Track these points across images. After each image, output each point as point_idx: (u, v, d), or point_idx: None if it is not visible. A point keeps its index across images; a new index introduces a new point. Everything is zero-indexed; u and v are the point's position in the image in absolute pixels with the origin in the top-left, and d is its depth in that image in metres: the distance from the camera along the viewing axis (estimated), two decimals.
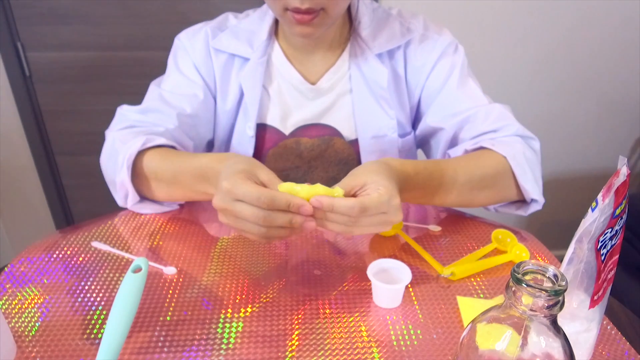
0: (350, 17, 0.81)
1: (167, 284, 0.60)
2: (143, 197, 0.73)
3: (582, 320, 0.46)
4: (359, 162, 0.86)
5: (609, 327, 0.54)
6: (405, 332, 0.54)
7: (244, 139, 0.83)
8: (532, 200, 0.73)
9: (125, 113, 0.78)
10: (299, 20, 0.68)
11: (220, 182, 0.53)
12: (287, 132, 0.83)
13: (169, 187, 0.69)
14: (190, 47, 0.82)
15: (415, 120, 0.87)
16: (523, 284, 0.33)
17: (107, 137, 0.76)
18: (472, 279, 0.62)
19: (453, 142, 0.80)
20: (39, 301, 0.57)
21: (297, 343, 0.52)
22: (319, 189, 0.53)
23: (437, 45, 0.80)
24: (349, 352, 0.51)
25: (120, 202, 0.74)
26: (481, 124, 0.76)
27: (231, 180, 0.52)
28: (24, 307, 0.56)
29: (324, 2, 0.67)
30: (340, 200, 0.52)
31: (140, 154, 0.69)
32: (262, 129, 0.84)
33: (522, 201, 0.75)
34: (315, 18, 0.68)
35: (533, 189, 0.71)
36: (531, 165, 0.71)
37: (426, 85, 0.82)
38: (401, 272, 0.57)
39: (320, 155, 0.85)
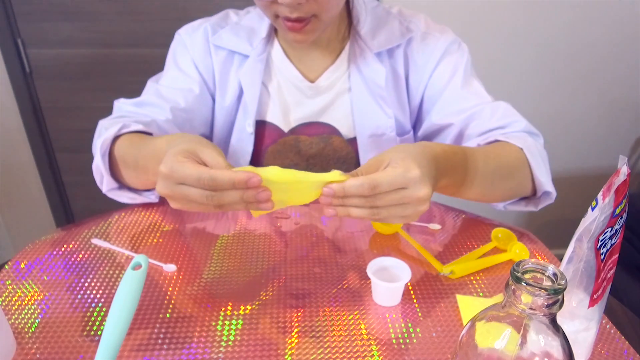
0: (349, 16, 0.81)
1: (166, 281, 0.60)
2: (123, 185, 0.74)
3: (582, 319, 0.46)
4: (357, 161, 0.86)
5: (608, 326, 0.54)
6: (404, 330, 0.54)
7: (244, 136, 0.83)
8: (543, 193, 0.72)
9: (121, 106, 0.79)
10: (291, 28, 0.69)
11: (159, 167, 0.50)
12: (286, 129, 0.84)
13: (136, 172, 0.68)
14: (190, 42, 0.82)
15: (417, 120, 0.86)
16: (522, 283, 0.33)
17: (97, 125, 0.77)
18: (472, 278, 0.62)
19: (458, 141, 0.80)
20: (39, 298, 0.57)
21: (296, 341, 0.52)
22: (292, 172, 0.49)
23: (439, 44, 0.80)
24: (349, 350, 0.51)
25: (98, 185, 0.74)
26: (488, 121, 0.76)
27: (168, 164, 0.49)
28: (24, 303, 0.56)
29: (313, 10, 0.67)
30: (350, 181, 0.48)
31: (116, 139, 0.70)
32: (261, 126, 0.84)
33: (530, 197, 0.74)
34: (307, 25, 0.68)
35: (546, 181, 0.70)
36: (542, 157, 0.71)
37: (429, 83, 0.81)
38: (401, 270, 0.57)
39: (318, 153, 0.85)
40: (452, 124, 0.79)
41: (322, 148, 0.84)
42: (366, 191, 0.48)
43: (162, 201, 0.76)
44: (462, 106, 0.78)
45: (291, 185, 0.50)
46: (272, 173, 0.48)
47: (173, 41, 0.84)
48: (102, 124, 0.74)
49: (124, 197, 0.74)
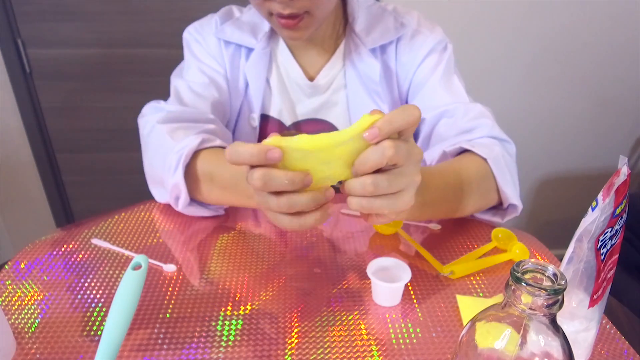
0: (345, 13, 0.82)
1: (166, 282, 0.60)
2: (191, 199, 0.70)
3: (582, 320, 0.46)
4: None
5: (608, 327, 0.54)
6: (404, 330, 0.54)
7: (248, 129, 0.84)
8: (510, 205, 0.70)
9: (162, 106, 0.75)
10: (284, 24, 0.69)
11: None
12: (287, 124, 0.85)
13: (223, 191, 0.65)
14: (202, 39, 0.83)
15: None
16: (522, 283, 0.33)
17: (149, 127, 0.71)
18: (472, 278, 0.62)
19: (428, 139, 0.80)
20: (39, 298, 0.57)
21: (296, 341, 0.52)
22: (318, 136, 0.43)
23: (426, 42, 0.81)
24: (348, 350, 0.51)
25: (162, 199, 0.72)
26: (459, 120, 0.75)
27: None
28: (23, 303, 0.56)
29: (306, 6, 0.67)
30: (391, 113, 0.43)
31: (195, 154, 0.66)
32: (264, 120, 0.85)
33: (498, 207, 0.73)
34: (300, 21, 0.69)
35: (512, 193, 0.68)
36: (510, 169, 0.69)
37: (413, 80, 0.82)
38: (401, 270, 0.57)
39: None
40: (424, 120, 0.79)
41: None
42: (415, 110, 0.44)
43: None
44: (437, 103, 0.78)
45: (327, 152, 0.44)
46: (302, 140, 0.44)
47: (185, 40, 0.85)
48: (163, 130, 0.68)
49: (196, 211, 0.71)
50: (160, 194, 0.73)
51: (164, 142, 0.68)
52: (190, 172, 0.66)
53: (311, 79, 0.83)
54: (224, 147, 0.68)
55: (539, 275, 0.34)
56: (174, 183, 0.65)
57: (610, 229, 0.43)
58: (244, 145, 0.44)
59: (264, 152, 0.42)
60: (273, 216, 0.47)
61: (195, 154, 0.66)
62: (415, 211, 0.58)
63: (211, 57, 0.82)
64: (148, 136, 0.72)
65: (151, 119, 0.72)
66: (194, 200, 0.70)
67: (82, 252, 0.65)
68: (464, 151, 0.71)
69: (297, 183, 0.44)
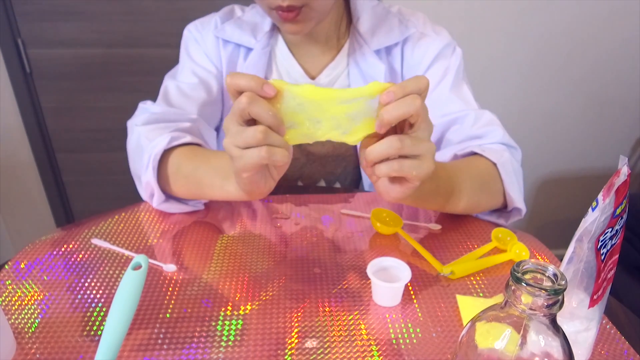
0: (349, 13, 0.82)
1: (166, 282, 0.60)
2: (168, 196, 0.72)
3: (582, 320, 0.46)
4: (356, 158, 0.86)
5: (608, 327, 0.54)
6: (404, 330, 0.54)
7: None
8: (514, 208, 0.73)
9: (147, 107, 0.77)
10: (284, 18, 0.69)
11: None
12: None
13: (187, 180, 0.68)
14: (201, 37, 0.83)
15: None
16: (523, 283, 0.32)
17: (131, 130, 0.75)
18: (472, 278, 0.62)
19: (438, 145, 0.80)
20: (39, 298, 0.57)
21: (296, 341, 0.52)
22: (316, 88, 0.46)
23: (434, 45, 0.80)
24: (348, 351, 0.51)
25: (145, 198, 0.74)
26: (470, 127, 0.76)
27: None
28: (24, 303, 0.56)
29: None
30: (406, 80, 0.47)
31: (166, 152, 0.69)
32: None
33: (502, 210, 0.75)
34: (299, 15, 0.69)
35: (518, 198, 0.71)
36: (517, 174, 0.72)
37: None
38: (401, 270, 0.57)
39: (318, 149, 0.85)
40: (434, 124, 0.79)
41: (321, 145, 0.85)
42: (425, 79, 0.48)
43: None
44: (448, 109, 0.79)
45: (325, 106, 0.47)
46: (306, 88, 0.46)
47: (183, 38, 0.85)
48: (140, 132, 0.71)
49: (173, 208, 0.73)
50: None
51: (140, 143, 0.71)
52: (162, 169, 0.69)
53: (312, 78, 0.83)
54: (194, 144, 0.71)
55: (539, 276, 0.34)
56: (146, 181, 0.69)
57: (610, 229, 0.43)
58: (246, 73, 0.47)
59: (261, 82, 0.46)
60: (239, 154, 0.49)
61: (169, 151, 0.69)
62: (427, 197, 0.63)
63: (207, 56, 0.82)
64: (130, 139, 0.75)
65: (133, 122, 0.75)
66: (170, 196, 0.72)
67: (82, 252, 0.65)
68: (474, 155, 0.73)
69: (277, 120, 0.47)
